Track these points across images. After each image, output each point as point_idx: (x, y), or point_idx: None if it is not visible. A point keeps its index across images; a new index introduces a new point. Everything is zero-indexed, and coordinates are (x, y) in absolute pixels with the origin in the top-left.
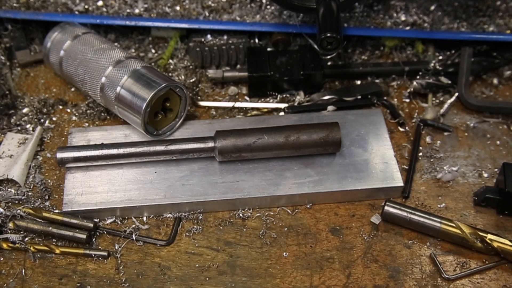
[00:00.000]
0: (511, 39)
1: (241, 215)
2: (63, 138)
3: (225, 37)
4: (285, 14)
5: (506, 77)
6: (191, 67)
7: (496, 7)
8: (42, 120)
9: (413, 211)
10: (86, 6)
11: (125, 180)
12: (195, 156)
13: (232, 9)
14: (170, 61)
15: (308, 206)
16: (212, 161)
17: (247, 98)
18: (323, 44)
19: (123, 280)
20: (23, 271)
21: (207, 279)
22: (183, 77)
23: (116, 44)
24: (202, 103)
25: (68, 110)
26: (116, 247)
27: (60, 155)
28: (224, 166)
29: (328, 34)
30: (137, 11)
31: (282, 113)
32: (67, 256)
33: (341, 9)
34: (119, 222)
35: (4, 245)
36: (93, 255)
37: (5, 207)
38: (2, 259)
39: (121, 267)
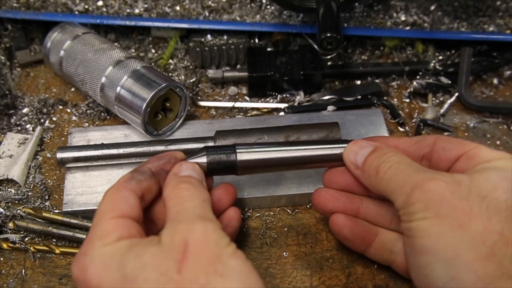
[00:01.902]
0: (511, 39)
1: (241, 215)
2: (63, 138)
3: (225, 37)
4: (285, 14)
5: (506, 77)
6: (191, 67)
7: (496, 7)
8: (42, 120)
9: None
10: (86, 6)
11: None
12: None
13: (232, 9)
14: (170, 61)
15: (308, 206)
16: None
17: (247, 98)
18: (323, 44)
19: None
20: (23, 271)
21: None
22: (183, 77)
23: (116, 44)
24: (202, 103)
25: (68, 110)
26: None
27: (60, 155)
28: None
29: (328, 34)
30: (137, 11)
31: (282, 113)
32: (67, 256)
33: (341, 9)
34: None
35: (4, 245)
36: None
37: (5, 207)
38: (2, 259)
39: None
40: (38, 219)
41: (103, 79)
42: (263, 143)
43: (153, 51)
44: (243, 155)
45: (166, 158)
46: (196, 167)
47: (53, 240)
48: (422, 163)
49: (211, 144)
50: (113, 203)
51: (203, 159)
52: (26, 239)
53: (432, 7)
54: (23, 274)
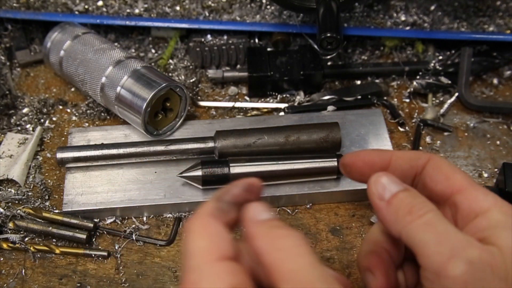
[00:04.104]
0: (511, 39)
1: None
2: (63, 138)
3: (225, 37)
4: (285, 14)
5: (506, 77)
6: (191, 67)
7: (496, 7)
8: (42, 120)
9: None
10: (86, 6)
11: (125, 180)
12: (195, 156)
13: (232, 9)
14: (170, 61)
15: (308, 206)
16: None
17: (247, 98)
18: (323, 44)
19: (123, 280)
20: (23, 271)
21: None
22: (183, 77)
23: (116, 44)
24: (202, 103)
25: (68, 110)
26: (116, 247)
27: (60, 155)
28: None
29: (328, 34)
30: (137, 11)
31: (282, 113)
32: (67, 256)
33: (341, 9)
34: (119, 222)
35: (4, 245)
36: (93, 255)
37: (5, 207)
38: (2, 259)
39: (121, 267)
40: (38, 219)
41: (103, 79)
42: (255, 158)
43: (153, 51)
44: (236, 169)
45: (246, 185)
46: (267, 206)
47: (53, 240)
48: (413, 184)
49: (211, 144)
50: (210, 240)
51: (198, 172)
52: (26, 239)
53: (432, 7)
54: (23, 274)
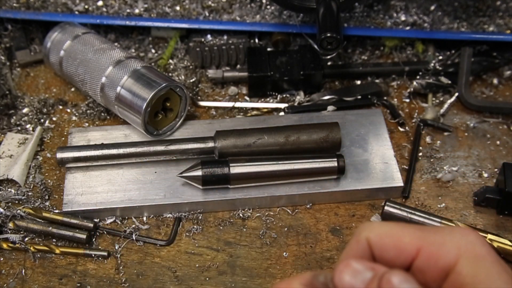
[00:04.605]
0: (511, 39)
1: (241, 215)
2: (63, 138)
3: (225, 37)
4: (285, 14)
5: (506, 77)
6: (191, 67)
7: (496, 7)
8: (42, 120)
9: (413, 211)
10: (86, 6)
11: (125, 180)
12: (195, 156)
13: (232, 9)
14: (170, 61)
15: (308, 206)
16: None
17: (247, 98)
18: (323, 44)
19: (123, 280)
20: (23, 271)
21: (207, 279)
22: (183, 77)
23: (116, 44)
24: (202, 103)
25: (68, 110)
26: (116, 247)
27: (60, 155)
28: None
29: (328, 34)
30: (137, 11)
31: (282, 113)
32: (67, 256)
33: (341, 9)
34: (119, 222)
35: (4, 245)
36: (93, 255)
37: (5, 207)
38: (2, 259)
39: (121, 267)
40: (38, 219)
41: (103, 79)
42: (255, 158)
43: (153, 51)
44: (236, 169)
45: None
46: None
47: (53, 240)
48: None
49: (211, 144)
50: None
51: (198, 172)
52: (26, 239)
53: (432, 7)
54: (23, 274)
